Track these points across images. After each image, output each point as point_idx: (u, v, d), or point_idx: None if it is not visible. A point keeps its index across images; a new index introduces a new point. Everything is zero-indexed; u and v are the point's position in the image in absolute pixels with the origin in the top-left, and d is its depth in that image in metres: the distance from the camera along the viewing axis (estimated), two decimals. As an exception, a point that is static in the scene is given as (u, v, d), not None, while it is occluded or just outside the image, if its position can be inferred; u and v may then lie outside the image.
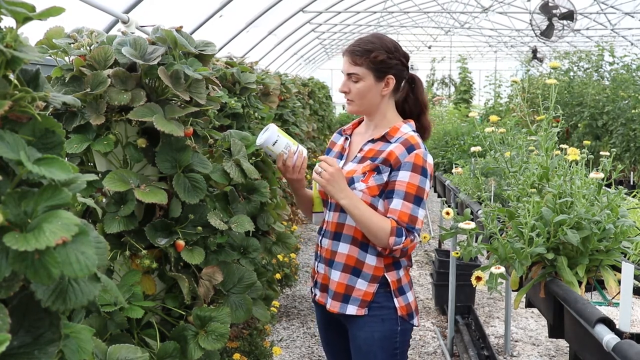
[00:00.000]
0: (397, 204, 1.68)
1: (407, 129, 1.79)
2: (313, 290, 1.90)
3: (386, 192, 1.73)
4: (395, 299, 1.77)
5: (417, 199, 1.69)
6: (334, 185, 1.67)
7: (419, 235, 1.72)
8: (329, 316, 1.88)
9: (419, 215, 1.70)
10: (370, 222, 1.66)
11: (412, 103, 1.86)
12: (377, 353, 1.76)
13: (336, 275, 1.78)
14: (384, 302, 1.76)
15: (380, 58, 1.73)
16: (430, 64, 16.77)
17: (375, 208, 1.72)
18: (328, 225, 1.82)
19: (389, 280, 1.76)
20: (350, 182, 1.73)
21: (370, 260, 1.75)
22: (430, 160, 1.74)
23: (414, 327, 1.85)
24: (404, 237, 1.67)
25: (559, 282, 1.64)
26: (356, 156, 1.81)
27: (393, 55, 1.76)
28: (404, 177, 1.69)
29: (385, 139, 1.77)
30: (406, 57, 1.81)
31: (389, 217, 1.69)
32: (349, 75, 1.76)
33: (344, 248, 1.77)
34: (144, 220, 1.49)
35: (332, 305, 1.79)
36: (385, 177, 1.72)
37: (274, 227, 2.06)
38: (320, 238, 1.86)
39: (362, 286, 1.75)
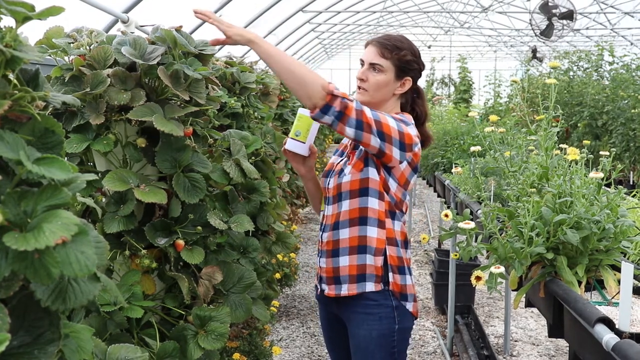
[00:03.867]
0: None
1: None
2: (319, 287, 1.89)
3: None
4: (391, 274, 1.75)
5: (375, 114, 1.64)
6: (227, 26, 1.54)
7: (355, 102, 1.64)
8: (332, 314, 1.89)
9: (380, 119, 1.64)
10: (291, 61, 1.57)
11: (412, 112, 1.90)
12: (374, 351, 1.76)
13: (345, 261, 1.77)
14: (382, 301, 1.76)
15: (407, 58, 1.78)
16: (430, 64, 16.76)
17: (367, 182, 1.72)
18: (327, 220, 1.83)
19: (388, 254, 1.75)
20: (341, 172, 1.79)
21: (372, 232, 1.74)
22: (412, 130, 1.72)
23: (413, 326, 1.85)
24: (341, 96, 1.59)
25: (558, 281, 1.64)
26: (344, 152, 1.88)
27: (417, 60, 1.82)
28: None
29: None
30: (423, 67, 1.87)
31: None
32: (372, 65, 1.77)
33: (344, 233, 1.77)
34: (143, 220, 1.49)
35: (350, 289, 1.77)
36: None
37: (274, 226, 2.06)
38: (321, 234, 1.87)
39: (372, 261, 1.75)
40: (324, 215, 1.87)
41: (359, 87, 1.81)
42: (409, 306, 1.79)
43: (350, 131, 1.60)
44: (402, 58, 1.77)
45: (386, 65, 1.76)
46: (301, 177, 1.93)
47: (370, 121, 1.62)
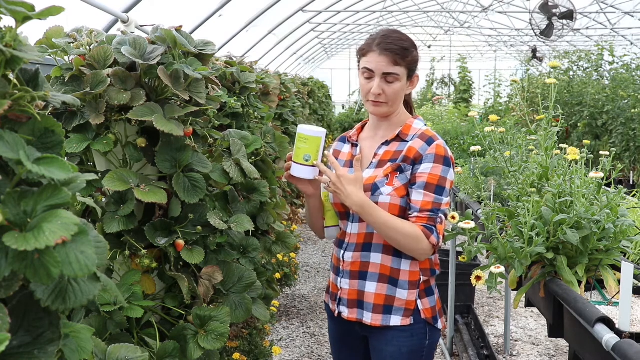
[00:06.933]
0: (418, 194, 1.62)
1: (420, 125, 1.74)
2: (336, 308, 1.78)
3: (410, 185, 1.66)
4: (419, 300, 1.70)
5: (439, 189, 1.63)
6: (339, 194, 1.61)
7: (445, 216, 1.66)
8: (348, 332, 1.81)
9: (442, 202, 1.64)
10: (394, 225, 1.60)
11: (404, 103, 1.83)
12: None
13: (372, 287, 1.69)
14: (415, 317, 1.71)
15: (417, 58, 1.70)
16: (430, 64, 16.77)
17: (405, 210, 1.65)
18: (352, 238, 1.72)
19: (421, 280, 1.70)
20: (375, 188, 1.66)
21: (405, 265, 1.68)
22: (450, 151, 1.70)
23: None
24: (435, 229, 1.61)
25: (558, 281, 1.64)
26: (372, 162, 1.73)
27: (418, 54, 1.73)
28: (425, 169, 1.63)
29: (399, 138, 1.71)
30: None
31: (412, 210, 1.63)
32: (386, 75, 1.65)
33: (376, 258, 1.69)
34: (143, 219, 1.49)
35: (374, 319, 1.69)
36: (408, 175, 1.65)
37: (274, 226, 2.06)
38: (342, 252, 1.74)
39: (403, 295, 1.68)
40: (345, 232, 1.75)
41: (376, 101, 1.68)
42: (439, 325, 1.75)
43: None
44: (413, 59, 1.68)
45: (400, 72, 1.65)
46: (308, 196, 1.77)
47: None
